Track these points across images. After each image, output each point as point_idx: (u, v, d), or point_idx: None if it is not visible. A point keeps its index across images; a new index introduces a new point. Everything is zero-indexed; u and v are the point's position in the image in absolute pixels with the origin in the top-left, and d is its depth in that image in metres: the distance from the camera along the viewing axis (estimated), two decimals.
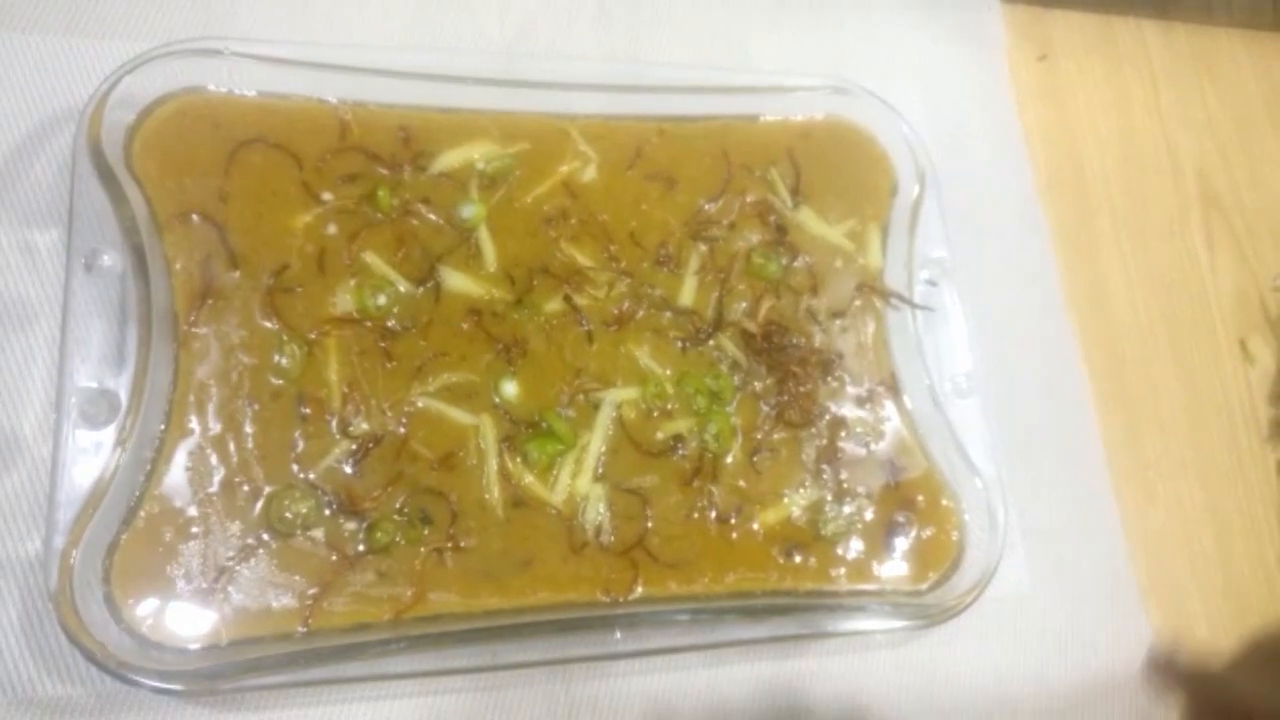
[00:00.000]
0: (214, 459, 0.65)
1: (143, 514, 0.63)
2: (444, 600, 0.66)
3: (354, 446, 0.67)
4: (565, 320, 0.74)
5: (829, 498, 0.77)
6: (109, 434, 0.62)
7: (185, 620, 0.62)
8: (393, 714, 0.68)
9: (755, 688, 0.76)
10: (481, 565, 0.68)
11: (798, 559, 0.75)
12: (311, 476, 0.66)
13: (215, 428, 0.65)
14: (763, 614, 0.72)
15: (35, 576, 0.63)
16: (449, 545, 0.67)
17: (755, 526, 0.75)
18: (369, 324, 0.70)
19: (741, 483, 0.75)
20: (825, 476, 0.78)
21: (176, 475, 0.64)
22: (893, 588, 0.77)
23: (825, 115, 0.87)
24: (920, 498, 0.79)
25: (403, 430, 0.69)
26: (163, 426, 0.65)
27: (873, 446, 0.80)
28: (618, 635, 0.67)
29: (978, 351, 0.85)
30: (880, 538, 0.77)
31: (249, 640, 0.62)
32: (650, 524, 0.72)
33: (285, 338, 0.68)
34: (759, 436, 0.77)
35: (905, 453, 0.80)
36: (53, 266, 0.70)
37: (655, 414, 0.75)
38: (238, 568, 0.64)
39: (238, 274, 0.69)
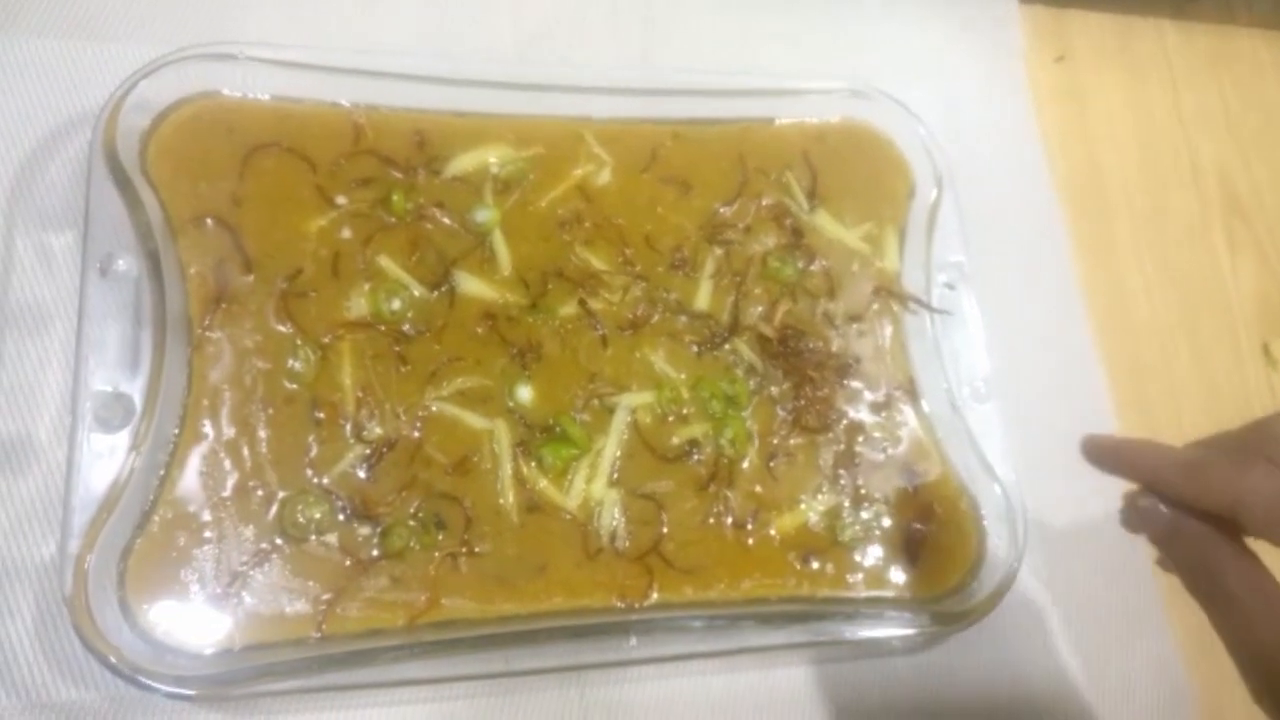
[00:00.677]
0: (228, 463, 0.64)
1: (157, 518, 0.62)
2: (458, 606, 0.65)
3: (368, 451, 0.66)
4: (580, 324, 0.73)
5: (846, 503, 0.75)
6: (124, 438, 0.62)
7: (199, 625, 0.61)
8: (406, 719, 0.67)
9: (771, 695, 0.75)
10: (496, 570, 0.67)
11: (815, 565, 0.74)
12: (325, 481, 0.65)
13: (229, 432, 0.64)
14: (779, 620, 0.71)
15: (50, 581, 0.63)
16: (463, 550, 0.66)
17: (772, 532, 0.73)
18: (383, 328, 0.69)
19: (758, 488, 0.74)
20: (842, 482, 0.76)
21: (190, 479, 0.64)
22: (910, 594, 0.76)
23: (841, 118, 0.87)
24: (938, 504, 0.78)
25: (417, 435, 0.68)
26: (177, 430, 0.64)
27: (890, 451, 0.78)
28: (633, 641, 0.65)
29: (995, 356, 0.83)
30: (898, 544, 0.76)
31: (262, 645, 0.62)
32: (665, 529, 0.71)
33: (299, 342, 0.67)
34: (775, 441, 0.75)
35: (923, 458, 0.79)
36: (68, 271, 0.70)
37: (670, 419, 0.73)
38: (251, 573, 0.62)
39: (251, 278, 0.68)
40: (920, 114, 0.87)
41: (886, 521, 0.76)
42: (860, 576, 0.75)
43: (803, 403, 0.76)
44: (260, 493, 0.64)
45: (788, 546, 0.73)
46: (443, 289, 0.71)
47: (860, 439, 0.78)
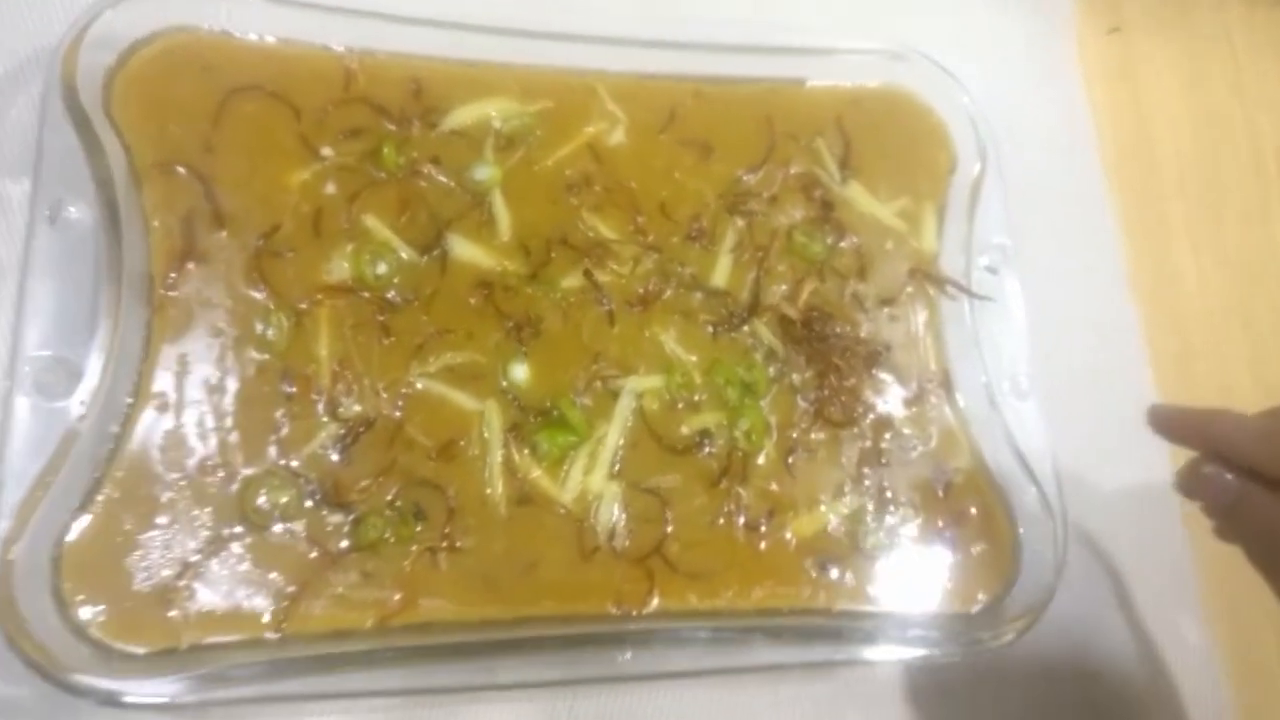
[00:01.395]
0: (185, 439, 0.59)
1: (101, 498, 0.57)
2: (435, 607, 0.61)
3: (342, 431, 0.62)
4: (584, 298, 0.69)
5: (870, 506, 0.71)
6: (67, 407, 0.56)
7: (143, 621, 0.56)
8: None
9: (780, 713, 0.71)
10: (479, 568, 0.62)
11: (834, 574, 0.69)
12: (294, 463, 0.61)
13: (188, 404, 0.60)
14: (792, 636, 0.67)
15: None
16: (444, 544, 0.62)
17: (787, 536, 0.69)
18: (366, 294, 0.65)
19: (774, 486, 0.70)
20: (867, 482, 0.72)
21: (142, 456, 0.58)
22: (938, 609, 0.71)
23: (879, 82, 0.81)
24: (972, 508, 0.73)
25: (398, 414, 0.63)
26: (130, 400, 0.59)
27: (920, 450, 0.74)
28: (628, 655, 0.61)
29: (1036, 347, 0.78)
30: (926, 552, 0.72)
31: (214, 646, 0.57)
32: (670, 529, 0.67)
33: (272, 306, 0.63)
34: (795, 435, 0.71)
35: (956, 457, 0.74)
36: (22, 221, 0.64)
37: (680, 406, 0.69)
38: (206, 562, 0.58)
39: (223, 234, 0.63)
40: (961, 82, 0.81)
41: (914, 527, 0.72)
42: (883, 588, 0.70)
43: (827, 393, 0.72)
44: (220, 473, 0.60)
45: (804, 552, 0.69)
46: (434, 253, 0.67)
47: (888, 435, 0.74)
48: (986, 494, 0.74)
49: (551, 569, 0.64)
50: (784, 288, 0.74)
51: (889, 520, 0.71)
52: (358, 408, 0.63)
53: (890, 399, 0.74)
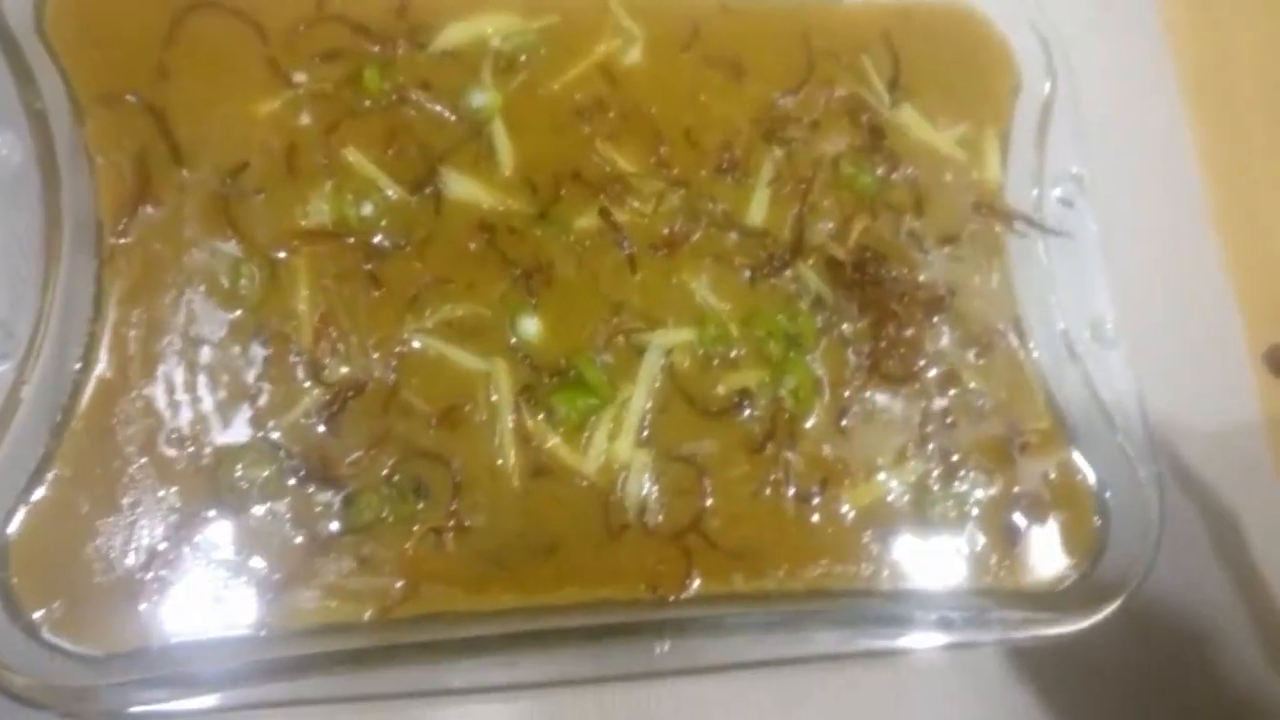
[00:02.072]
0: (145, 408, 0.57)
1: (51, 477, 0.54)
2: (442, 595, 0.58)
3: (328, 396, 0.58)
4: (601, 241, 0.65)
5: (936, 472, 0.67)
6: (5, 374, 0.53)
7: (105, 619, 0.53)
8: None
9: (839, 702, 0.65)
10: (492, 551, 0.59)
11: (896, 549, 0.65)
12: (273, 434, 0.57)
13: (147, 368, 0.57)
14: (850, 620, 0.61)
15: None
16: (450, 525, 0.59)
17: (843, 508, 0.65)
18: (350, 240, 0.61)
19: (826, 451, 0.65)
20: (931, 445, 0.67)
21: (97, 429, 0.56)
22: (1015, 587, 0.66)
23: None
24: (1051, 473, 0.68)
25: (392, 377, 0.60)
26: (78, 366, 0.56)
27: (991, 407, 0.69)
28: (666, 646, 0.57)
29: (1120, 291, 0.72)
30: (1000, 523, 0.67)
31: (187, 646, 0.54)
32: (709, 501, 0.63)
33: (241, 255, 0.59)
34: (848, 393, 0.67)
35: (1032, 415, 0.70)
36: None
37: (716, 363, 0.65)
38: (175, 550, 0.54)
39: (182, 173, 0.60)
40: None
41: (986, 495, 0.67)
42: (953, 564, 0.65)
43: (883, 345, 0.68)
44: (189, 447, 0.57)
45: (863, 525, 0.65)
46: (426, 191, 0.63)
47: (953, 391, 0.69)
48: (1067, 456, 0.69)
49: (574, 550, 0.61)
50: (831, 226, 0.70)
51: (957, 487, 0.67)
52: (345, 370, 0.59)
53: (955, 350, 0.70)
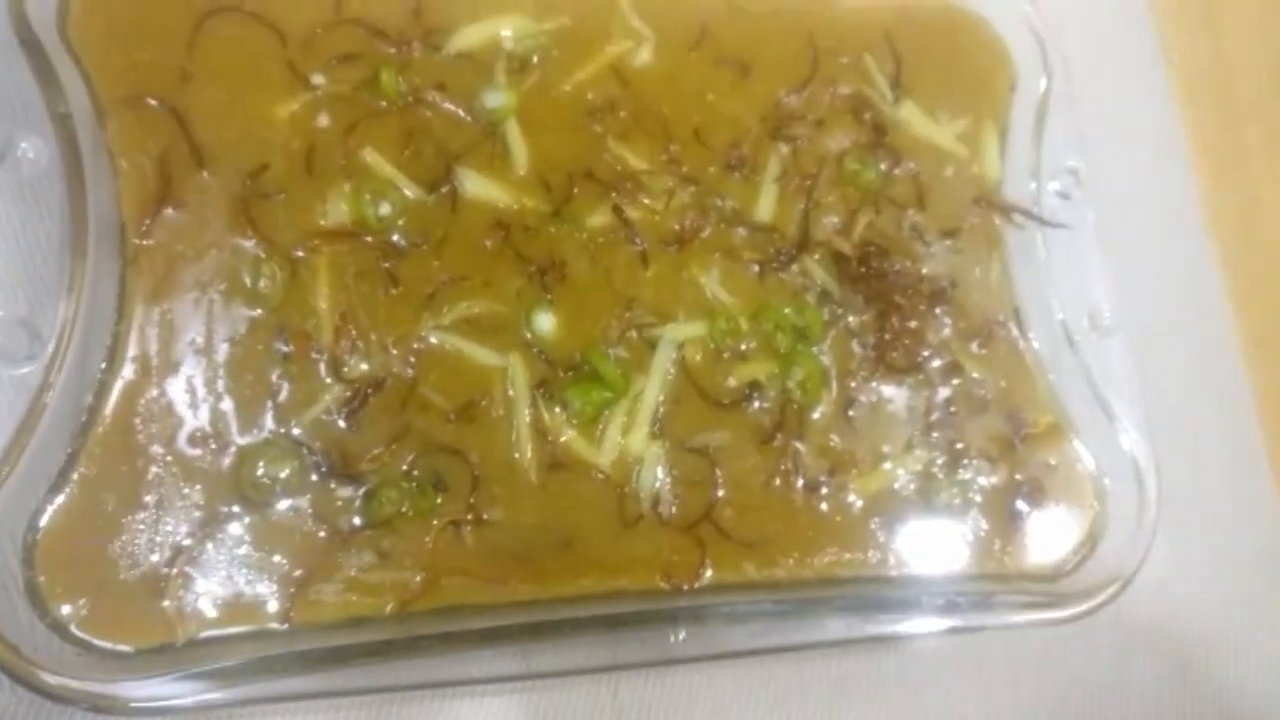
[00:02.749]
0: (171, 408, 0.56)
1: (76, 476, 0.53)
2: (462, 588, 0.58)
3: (349, 393, 0.58)
4: (613, 237, 0.65)
5: (941, 460, 0.67)
6: (31, 375, 0.52)
7: (131, 615, 0.53)
8: None
9: (845, 686, 0.67)
10: (509, 544, 0.59)
11: (902, 536, 0.65)
12: (295, 431, 0.57)
13: (172, 368, 0.56)
14: (859, 606, 0.63)
15: None
16: (468, 518, 0.59)
17: (850, 497, 0.65)
18: (368, 239, 0.61)
19: (834, 441, 0.66)
20: (936, 434, 0.68)
21: (122, 428, 0.55)
22: (1018, 573, 0.67)
23: None
24: (1052, 460, 0.69)
25: (410, 373, 0.60)
26: (104, 365, 0.55)
27: (993, 396, 0.70)
28: (682, 635, 0.57)
29: (1116, 282, 0.72)
30: (1003, 511, 0.68)
31: (213, 641, 0.54)
32: (721, 492, 0.63)
33: (263, 255, 0.59)
34: (854, 384, 0.67)
35: (1033, 404, 0.70)
36: None
37: (726, 355, 0.66)
38: (200, 546, 0.54)
39: (204, 175, 0.59)
40: None
41: (989, 483, 0.68)
42: (957, 551, 0.66)
43: (888, 336, 0.68)
44: (212, 445, 0.56)
45: (870, 513, 0.66)
46: (443, 191, 0.63)
47: (956, 381, 0.70)
48: (1068, 444, 0.70)
49: (590, 541, 0.61)
50: (836, 220, 0.70)
51: (962, 476, 0.67)
52: (364, 367, 0.59)
53: (958, 341, 0.70)
